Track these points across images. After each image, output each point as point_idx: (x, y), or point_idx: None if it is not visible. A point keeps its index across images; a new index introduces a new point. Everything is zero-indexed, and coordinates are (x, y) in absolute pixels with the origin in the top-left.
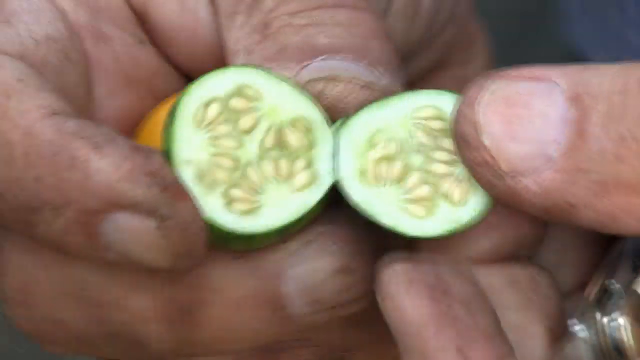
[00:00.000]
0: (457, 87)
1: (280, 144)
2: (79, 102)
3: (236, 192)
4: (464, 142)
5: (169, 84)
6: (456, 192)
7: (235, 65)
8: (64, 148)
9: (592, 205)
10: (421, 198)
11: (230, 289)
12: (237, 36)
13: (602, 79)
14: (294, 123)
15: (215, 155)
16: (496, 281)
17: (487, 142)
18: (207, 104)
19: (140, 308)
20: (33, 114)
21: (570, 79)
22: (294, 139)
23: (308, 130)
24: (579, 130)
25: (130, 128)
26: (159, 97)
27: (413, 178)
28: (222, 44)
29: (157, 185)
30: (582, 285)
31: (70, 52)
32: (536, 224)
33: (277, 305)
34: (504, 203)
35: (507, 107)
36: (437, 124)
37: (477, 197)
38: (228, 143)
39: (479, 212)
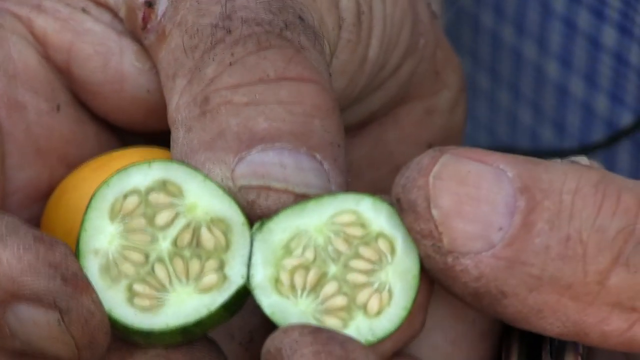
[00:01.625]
0: (428, 119)
1: (196, 242)
2: None
3: (140, 288)
4: (412, 211)
5: (84, 150)
6: (374, 303)
7: (160, 160)
8: None
9: (523, 298)
10: (337, 308)
11: None
12: (177, 103)
13: (553, 176)
14: (213, 222)
15: (125, 248)
16: None
17: (435, 215)
18: (126, 196)
19: None
20: None
21: (519, 169)
22: (208, 239)
23: (226, 230)
24: (525, 223)
25: (41, 198)
26: (72, 165)
27: (329, 288)
28: (165, 101)
29: (58, 278)
30: None
31: None
32: (423, 321)
33: None
34: (437, 279)
35: (458, 184)
36: (356, 231)
37: (395, 309)
38: (141, 237)
39: (395, 324)
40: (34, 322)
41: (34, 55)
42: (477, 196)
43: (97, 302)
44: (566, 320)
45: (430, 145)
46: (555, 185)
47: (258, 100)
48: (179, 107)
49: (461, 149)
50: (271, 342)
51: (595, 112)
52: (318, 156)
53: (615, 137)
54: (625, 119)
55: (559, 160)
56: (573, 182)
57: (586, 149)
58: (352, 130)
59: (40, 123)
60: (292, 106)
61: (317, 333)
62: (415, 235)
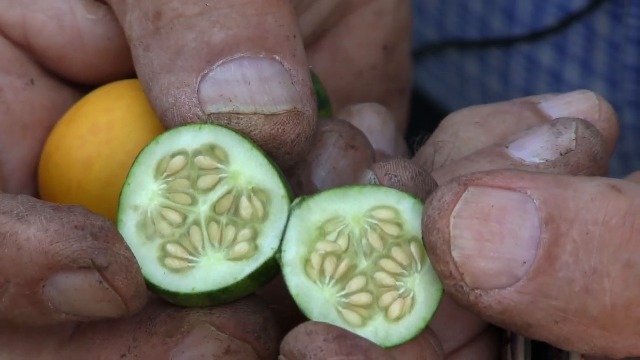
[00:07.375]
0: (378, 20)
1: (234, 210)
2: None
3: (173, 249)
4: (433, 253)
5: None
6: (396, 308)
7: (211, 124)
8: None
9: (549, 329)
10: (359, 305)
11: None
12: (129, 20)
13: (580, 203)
14: (254, 192)
15: (165, 207)
16: None
17: (456, 256)
18: (173, 155)
19: None
20: None
21: (545, 195)
22: (247, 208)
23: (266, 202)
24: (550, 256)
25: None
26: None
27: (356, 282)
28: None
29: (89, 236)
30: (468, 344)
31: None
32: None
33: None
34: (464, 309)
35: (480, 222)
36: (392, 230)
37: (415, 319)
38: (182, 198)
39: (412, 334)
40: (75, 289)
41: None
42: (500, 232)
43: (129, 248)
44: (594, 346)
45: (385, 47)
46: (581, 214)
47: (210, 8)
48: (132, 24)
49: (487, 177)
50: (294, 344)
51: None
52: (277, 57)
53: (567, 21)
54: (577, 2)
55: (587, 180)
56: (601, 212)
57: (537, 35)
58: (310, 45)
59: (19, 100)
60: (244, 7)
61: (342, 340)
62: (438, 274)
